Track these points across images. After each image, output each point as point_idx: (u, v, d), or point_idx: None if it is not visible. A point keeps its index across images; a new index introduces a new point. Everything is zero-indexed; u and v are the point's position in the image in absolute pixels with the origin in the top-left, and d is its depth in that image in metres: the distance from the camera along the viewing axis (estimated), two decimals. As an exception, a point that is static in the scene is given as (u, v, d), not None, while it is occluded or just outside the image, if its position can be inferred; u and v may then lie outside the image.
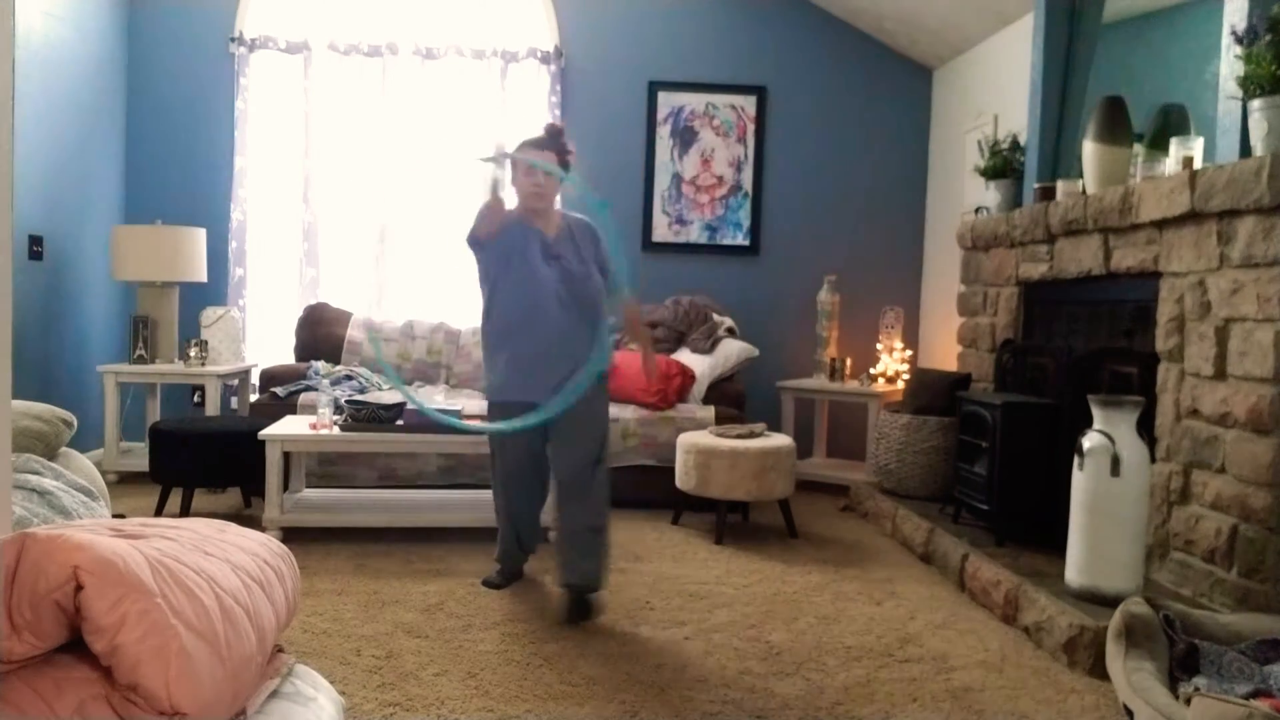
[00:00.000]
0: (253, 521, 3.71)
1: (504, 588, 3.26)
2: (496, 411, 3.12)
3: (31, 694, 1.11)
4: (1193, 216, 2.85)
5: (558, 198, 3.17)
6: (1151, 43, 3.61)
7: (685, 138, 5.64)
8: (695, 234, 5.67)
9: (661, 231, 5.65)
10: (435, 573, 3.42)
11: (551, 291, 3.00)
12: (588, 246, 3.12)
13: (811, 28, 5.66)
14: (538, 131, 3.12)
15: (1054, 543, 3.28)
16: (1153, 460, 2.91)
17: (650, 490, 4.36)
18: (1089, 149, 3.48)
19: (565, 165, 3.04)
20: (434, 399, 4.54)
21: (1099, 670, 2.52)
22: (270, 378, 4.77)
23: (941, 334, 5.42)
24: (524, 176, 3.03)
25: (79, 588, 1.14)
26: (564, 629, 2.89)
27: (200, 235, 4.97)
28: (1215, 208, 2.72)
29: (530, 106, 5.50)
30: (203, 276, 5.00)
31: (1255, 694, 1.95)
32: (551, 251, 3.04)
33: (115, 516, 2.20)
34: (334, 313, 5.24)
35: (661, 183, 5.65)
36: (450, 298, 5.49)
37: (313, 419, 3.94)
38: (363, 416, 3.79)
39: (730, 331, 5.14)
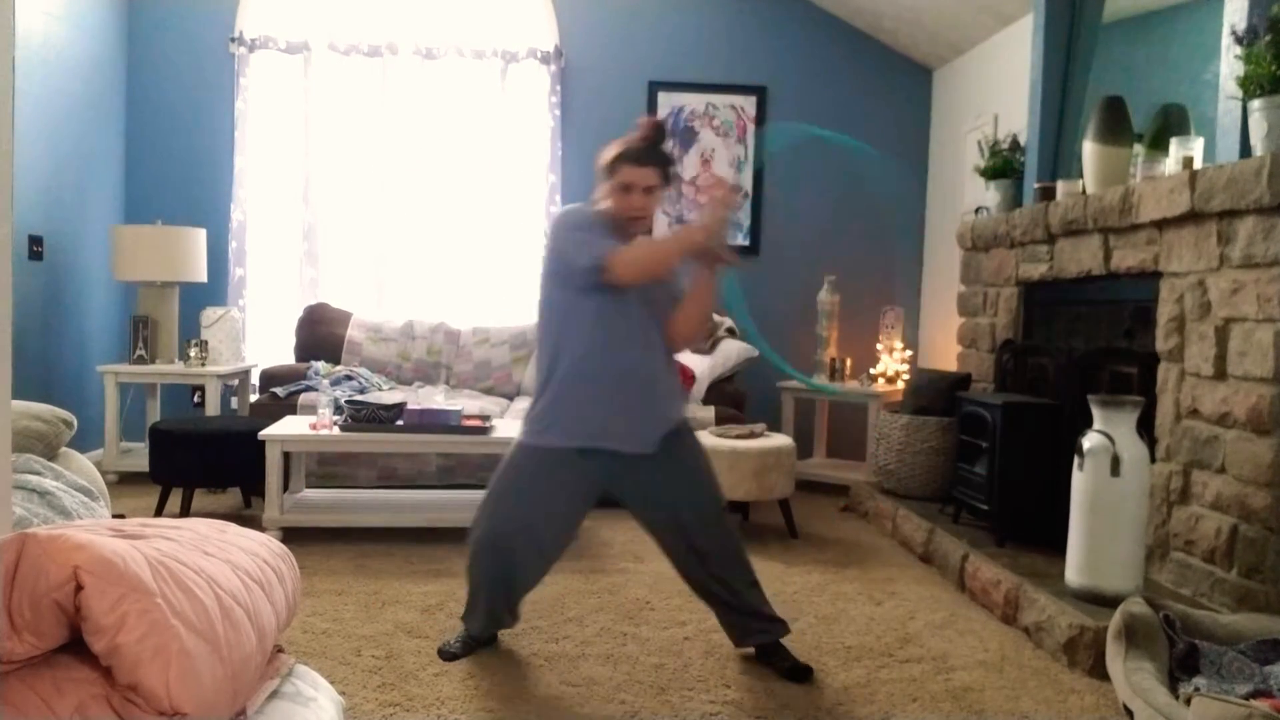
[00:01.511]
0: (253, 521, 3.71)
1: (465, 656, 2.66)
2: (553, 456, 2.52)
3: (31, 694, 1.11)
4: (1193, 216, 2.85)
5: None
6: (1151, 43, 3.61)
7: (685, 138, 5.64)
8: (695, 234, 5.66)
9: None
10: (435, 573, 3.42)
11: (639, 332, 2.49)
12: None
13: (811, 27, 5.66)
14: (634, 133, 2.50)
15: (1054, 543, 3.28)
16: (1153, 460, 2.91)
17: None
18: (1089, 149, 3.48)
19: (667, 179, 2.49)
20: (434, 399, 4.54)
21: (1099, 670, 2.52)
22: (270, 378, 4.78)
23: (941, 334, 5.42)
24: (620, 195, 2.46)
25: (79, 588, 1.14)
26: (565, 629, 2.89)
27: (200, 235, 4.97)
28: (1215, 208, 2.72)
29: (530, 106, 5.50)
30: (203, 276, 5.00)
31: (1255, 694, 1.95)
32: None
33: (115, 516, 2.20)
34: (334, 313, 5.24)
35: (661, 183, 5.64)
36: (450, 298, 5.50)
37: (313, 419, 3.94)
38: (363, 416, 3.79)
39: (730, 332, 5.14)
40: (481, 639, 2.71)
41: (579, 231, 2.44)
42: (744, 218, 5.69)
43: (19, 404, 2.41)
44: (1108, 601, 2.70)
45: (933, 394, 4.33)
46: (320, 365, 4.85)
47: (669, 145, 2.44)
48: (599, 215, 2.51)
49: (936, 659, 2.73)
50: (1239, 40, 2.71)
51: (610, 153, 2.49)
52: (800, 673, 2.55)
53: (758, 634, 2.64)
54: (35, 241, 4.47)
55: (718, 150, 5.64)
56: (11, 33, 1.09)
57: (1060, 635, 2.70)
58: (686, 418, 2.64)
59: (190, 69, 5.40)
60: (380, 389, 4.78)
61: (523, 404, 4.81)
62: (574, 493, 2.56)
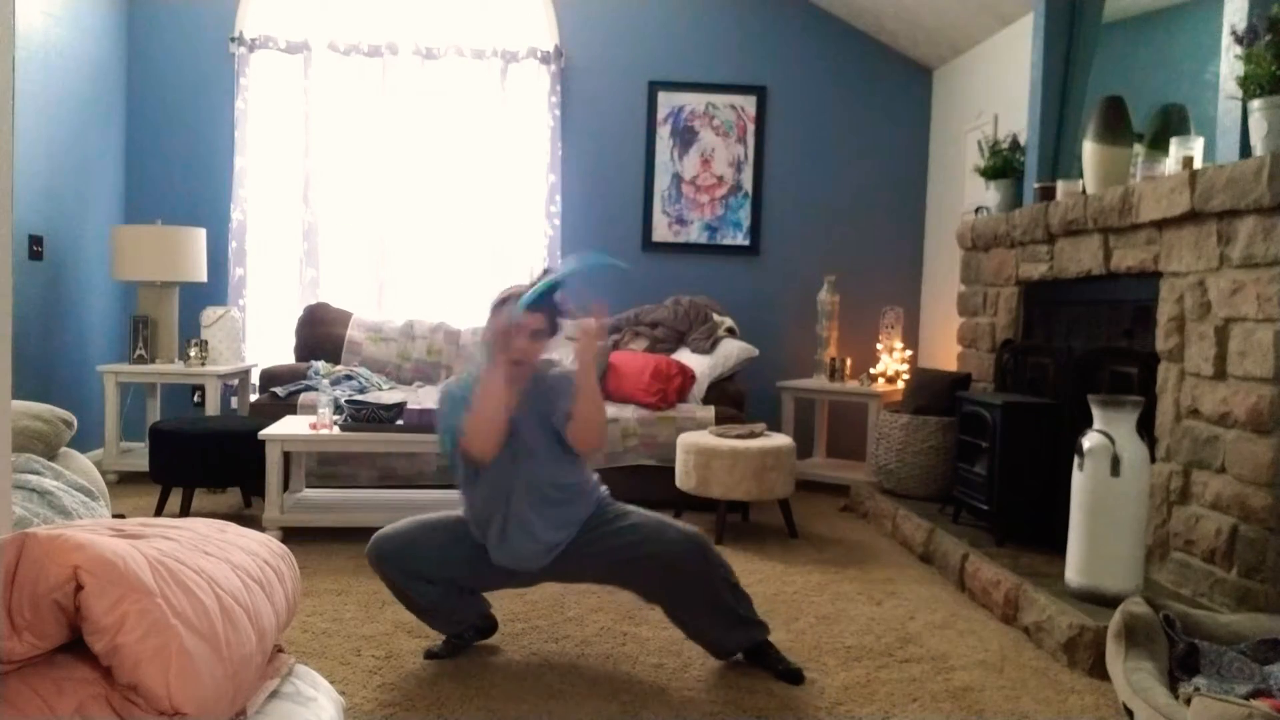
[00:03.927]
0: (253, 521, 3.71)
1: (448, 656, 2.66)
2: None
3: (31, 694, 1.11)
4: (1193, 216, 2.85)
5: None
6: (1151, 43, 3.61)
7: (685, 138, 5.64)
8: (695, 234, 5.67)
9: (661, 232, 5.65)
10: (435, 573, 3.41)
11: (510, 480, 2.48)
12: (546, 402, 2.49)
13: (811, 28, 5.66)
14: (526, 282, 2.47)
15: (1054, 543, 3.28)
16: (1153, 460, 2.91)
17: (650, 490, 4.36)
18: (1089, 149, 3.48)
19: (554, 328, 2.49)
20: (434, 399, 4.53)
21: (1099, 670, 2.52)
22: (270, 378, 4.77)
23: (941, 334, 5.42)
24: (504, 339, 2.42)
25: (79, 588, 1.14)
26: (565, 629, 2.89)
27: (200, 235, 4.97)
28: (1215, 208, 2.72)
29: (530, 106, 5.50)
30: (203, 276, 5.00)
31: (1255, 694, 1.95)
32: (514, 425, 2.47)
33: (115, 516, 2.20)
34: (334, 313, 5.24)
35: (661, 183, 5.65)
36: (450, 298, 5.50)
37: (313, 419, 3.94)
38: (363, 416, 3.79)
39: (730, 331, 5.14)
40: (467, 635, 2.68)
41: (442, 404, 2.50)
42: (745, 217, 5.69)
43: (19, 404, 2.41)
44: (1108, 601, 2.70)
45: (933, 394, 4.33)
46: (320, 365, 4.85)
47: (559, 296, 2.46)
48: (473, 378, 2.50)
49: (936, 659, 2.73)
50: (1239, 40, 2.71)
51: (499, 295, 2.48)
52: (793, 675, 2.54)
53: (737, 641, 2.60)
54: (35, 241, 4.47)
55: (718, 150, 5.64)
56: (11, 33, 1.09)
57: (1060, 635, 2.70)
58: (597, 507, 2.58)
59: (190, 69, 5.40)
60: (380, 389, 4.78)
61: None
62: (492, 571, 2.56)
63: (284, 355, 5.34)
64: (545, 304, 2.44)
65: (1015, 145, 4.32)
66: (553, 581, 2.63)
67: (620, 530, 2.53)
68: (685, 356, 5.00)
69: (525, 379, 2.51)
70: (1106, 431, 2.76)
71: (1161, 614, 2.18)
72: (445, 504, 4.06)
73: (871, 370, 5.34)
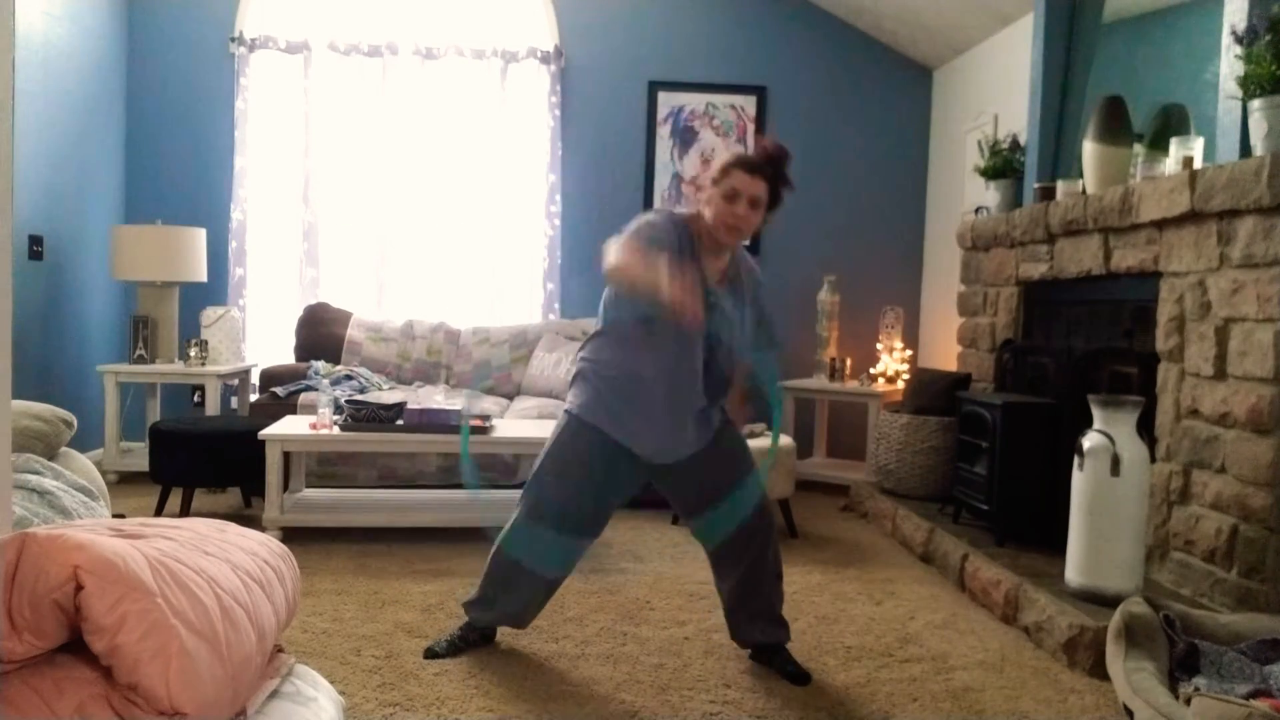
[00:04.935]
0: (253, 521, 3.71)
1: (448, 657, 2.63)
2: (601, 436, 2.50)
3: (31, 694, 1.11)
4: (1193, 216, 2.85)
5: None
6: (1151, 43, 3.61)
7: (685, 138, 5.64)
8: (695, 234, 5.66)
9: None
10: (435, 573, 3.42)
11: (696, 349, 2.43)
12: (749, 288, 2.54)
13: (811, 28, 5.66)
14: (753, 150, 2.49)
15: (1054, 543, 3.28)
16: (1153, 460, 2.91)
17: (651, 490, 4.35)
18: (1089, 149, 3.48)
19: (777, 200, 2.43)
20: (434, 399, 4.53)
21: (1099, 670, 2.52)
22: (270, 378, 4.78)
23: (941, 334, 5.42)
24: (724, 202, 2.38)
25: (79, 588, 1.14)
26: (565, 629, 2.89)
27: (200, 235, 4.97)
28: (1215, 208, 2.72)
29: (530, 106, 5.50)
30: (203, 276, 5.00)
31: (1255, 694, 1.95)
32: (710, 298, 2.41)
33: (115, 516, 2.20)
34: (334, 313, 5.24)
35: (661, 183, 5.65)
36: (450, 298, 5.51)
37: (313, 419, 3.94)
38: (363, 416, 3.79)
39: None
40: (471, 638, 2.68)
41: (631, 234, 2.35)
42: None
43: (19, 404, 2.41)
44: (1108, 601, 2.70)
45: (933, 394, 4.33)
46: (320, 365, 4.85)
47: (789, 171, 2.44)
48: (679, 221, 2.45)
49: (936, 659, 2.73)
50: (1239, 40, 2.71)
51: (723, 159, 2.45)
52: (800, 678, 2.54)
53: (760, 633, 2.62)
54: (35, 241, 4.47)
55: (718, 150, 5.64)
56: (11, 33, 1.09)
57: (1060, 635, 2.70)
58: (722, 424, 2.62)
59: (190, 69, 5.40)
60: (380, 389, 4.78)
61: (523, 404, 4.80)
62: (618, 473, 2.55)
63: (284, 355, 5.34)
64: (771, 172, 2.40)
65: (1015, 145, 4.32)
66: (659, 483, 2.64)
67: (737, 447, 2.61)
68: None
69: (732, 249, 2.49)
70: (1106, 431, 2.76)
71: (1161, 614, 2.18)
72: (445, 504, 4.09)
73: (871, 370, 5.34)
